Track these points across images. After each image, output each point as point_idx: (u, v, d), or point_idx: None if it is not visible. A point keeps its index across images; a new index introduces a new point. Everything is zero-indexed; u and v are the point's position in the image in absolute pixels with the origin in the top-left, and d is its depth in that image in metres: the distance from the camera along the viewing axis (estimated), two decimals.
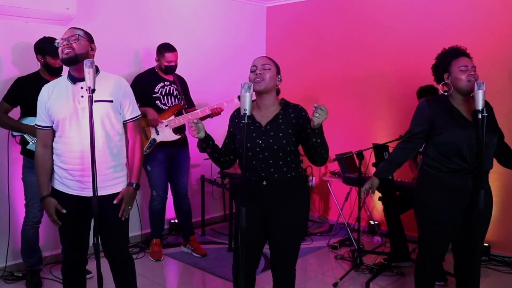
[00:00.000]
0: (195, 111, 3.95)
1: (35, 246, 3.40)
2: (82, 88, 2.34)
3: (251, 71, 2.35)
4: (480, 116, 2.28)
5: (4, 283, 3.46)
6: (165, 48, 3.90)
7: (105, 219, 2.34)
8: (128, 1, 4.26)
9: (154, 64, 4.09)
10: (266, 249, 2.49)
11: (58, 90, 2.38)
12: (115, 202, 2.38)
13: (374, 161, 3.76)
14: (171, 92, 3.98)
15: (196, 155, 4.05)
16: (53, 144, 2.43)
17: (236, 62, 5.03)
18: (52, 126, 2.41)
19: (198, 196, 4.63)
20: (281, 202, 2.34)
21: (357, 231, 3.86)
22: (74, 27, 2.39)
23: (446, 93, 2.51)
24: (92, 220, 2.48)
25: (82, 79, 2.33)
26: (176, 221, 4.58)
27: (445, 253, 2.70)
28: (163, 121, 3.86)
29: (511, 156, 2.65)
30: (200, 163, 4.58)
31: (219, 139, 2.51)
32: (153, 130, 3.86)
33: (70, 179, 2.38)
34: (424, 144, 2.61)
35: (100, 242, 2.28)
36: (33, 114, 2.47)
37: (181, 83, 4.09)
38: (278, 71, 2.42)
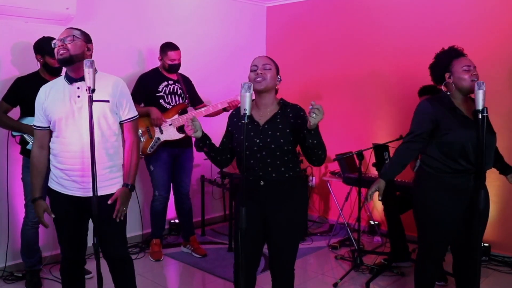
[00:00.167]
0: (205, 107, 3.94)
1: (35, 246, 3.40)
2: (78, 88, 2.34)
3: (252, 71, 2.35)
4: (480, 116, 2.28)
5: (4, 283, 3.46)
6: (168, 47, 3.90)
7: (102, 219, 2.33)
8: (128, 1, 4.25)
9: (153, 63, 4.09)
10: (266, 249, 2.49)
11: (55, 91, 2.38)
12: (109, 202, 2.37)
13: (374, 161, 3.76)
14: (175, 91, 3.98)
15: (196, 155, 4.06)
16: (50, 144, 2.43)
17: (236, 61, 5.03)
18: (49, 127, 2.41)
19: (198, 196, 4.63)
20: (279, 202, 2.34)
21: (357, 231, 3.86)
22: (71, 27, 2.39)
23: (448, 93, 2.51)
24: (91, 221, 2.49)
25: (79, 80, 2.34)
26: (176, 221, 4.58)
27: (445, 253, 2.70)
28: (167, 120, 3.86)
29: (499, 157, 2.67)
30: (200, 163, 4.57)
31: (219, 139, 2.51)
32: (157, 129, 3.86)
33: (66, 179, 2.38)
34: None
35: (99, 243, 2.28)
36: (33, 114, 2.47)
37: (186, 82, 4.08)
38: (277, 71, 2.43)
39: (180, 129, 3.89)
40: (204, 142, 2.32)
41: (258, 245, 2.45)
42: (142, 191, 4.42)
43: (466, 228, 2.52)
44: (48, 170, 2.47)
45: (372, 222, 4.64)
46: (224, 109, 3.91)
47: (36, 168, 2.44)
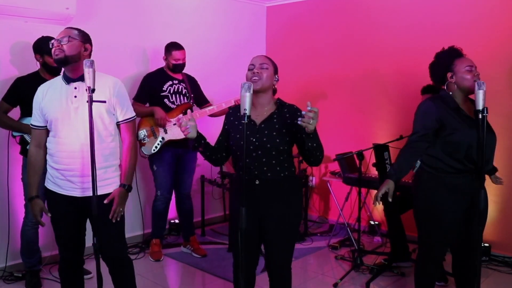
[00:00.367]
0: (210, 107, 3.93)
1: (34, 247, 3.39)
2: (75, 88, 2.35)
3: (249, 69, 2.37)
4: (480, 116, 2.27)
5: (4, 283, 3.45)
6: (172, 47, 3.90)
7: (98, 220, 2.31)
8: (128, 0, 4.25)
9: (153, 63, 4.08)
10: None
11: (53, 90, 2.38)
12: (105, 202, 2.36)
13: (374, 161, 3.75)
14: (179, 90, 3.98)
15: (199, 156, 4.03)
16: (47, 144, 2.43)
17: (236, 61, 5.02)
18: (46, 126, 2.41)
19: (198, 196, 4.62)
20: (274, 201, 2.35)
21: (357, 231, 3.85)
22: (69, 27, 2.39)
23: (450, 92, 2.50)
24: (88, 221, 2.49)
25: (76, 80, 2.35)
26: (176, 221, 4.58)
27: (445, 253, 2.70)
28: (171, 119, 3.86)
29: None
30: (200, 163, 4.56)
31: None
32: (161, 129, 3.86)
33: (61, 179, 2.38)
34: None
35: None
36: None
37: (191, 82, 4.08)
38: (275, 71, 2.43)
39: None
40: (199, 142, 2.33)
41: (256, 244, 2.45)
42: (143, 191, 4.42)
43: (466, 228, 2.52)
44: (45, 169, 2.47)
45: (372, 222, 4.64)
46: (230, 108, 3.91)
47: (33, 167, 2.44)
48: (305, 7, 5.19)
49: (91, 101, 2.12)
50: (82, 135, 2.30)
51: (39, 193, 2.46)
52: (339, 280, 3.50)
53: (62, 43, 2.29)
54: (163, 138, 3.85)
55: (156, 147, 3.84)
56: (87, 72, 2.09)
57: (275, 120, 2.35)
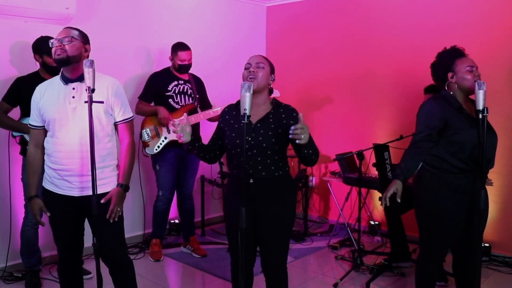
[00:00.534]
0: (206, 111, 3.92)
1: (34, 247, 3.39)
2: (74, 89, 2.34)
3: (245, 68, 2.37)
4: (480, 116, 2.27)
5: (4, 283, 3.45)
6: (178, 47, 3.90)
7: (96, 220, 2.30)
8: (128, 0, 4.24)
9: (152, 63, 4.07)
10: None
11: (51, 90, 2.38)
12: (102, 201, 2.35)
13: (375, 161, 3.75)
14: (184, 91, 3.98)
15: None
16: (44, 144, 2.43)
17: (236, 61, 5.01)
18: (44, 126, 2.41)
19: (198, 197, 4.62)
20: (269, 200, 2.35)
21: (358, 231, 3.85)
22: (69, 27, 2.38)
23: (451, 93, 2.50)
24: (86, 222, 2.49)
25: (74, 80, 2.34)
26: (176, 221, 4.58)
27: (447, 253, 2.70)
28: (175, 120, 3.86)
29: None
30: (200, 163, 4.57)
31: None
32: (164, 129, 3.86)
33: (58, 179, 2.38)
34: None
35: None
36: None
37: (197, 83, 4.08)
38: (272, 71, 2.43)
39: None
40: (193, 145, 2.35)
41: (252, 243, 2.45)
42: (146, 190, 4.42)
43: (466, 228, 2.51)
44: (43, 169, 2.47)
45: (372, 222, 4.63)
46: (226, 107, 3.90)
47: (31, 166, 2.44)
48: (305, 7, 5.19)
49: (91, 101, 2.11)
50: (80, 135, 2.30)
51: (38, 192, 2.46)
52: (339, 280, 3.50)
53: (64, 43, 2.28)
54: (165, 138, 3.85)
55: (158, 146, 3.84)
56: (87, 72, 2.09)
57: (271, 120, 2.36)
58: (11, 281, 3.47)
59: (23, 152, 3.28)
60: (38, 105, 2.38)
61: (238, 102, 2.45)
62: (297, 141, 2.08)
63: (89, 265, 3.46)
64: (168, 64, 4.08)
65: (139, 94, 4.01)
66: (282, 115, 2.37)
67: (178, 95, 3.95)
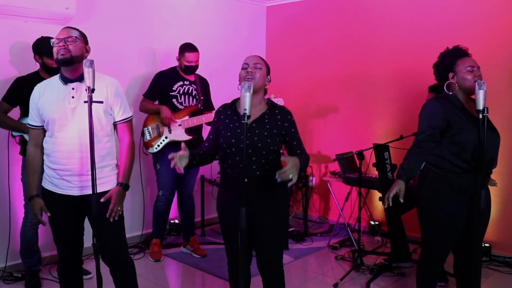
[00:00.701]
0: (209, 114, 3.90)
1: (34, 247, 3.39)
2: (73, 89, 2.34)
3: (243, 68, 2.38)
4: (481, 116, 2.27)
5: (3, 283, 3.45)
6: (186, 48, 3.89)
7: (96, 219, 2.30)
8: (128, 0, 4.24)
9: (152, 63, 4.07)
10: None
11: (50, 90, 2.37)
12: (102, 200, 2.35)
13: (375, 161, 3.75)
14: (189, 92, 3.97)
15: None
16: (43, 144, 2.43)
17: (236, 61, 4.97)
18: (43, 126, 2.41)
19: (198, 197, 4.62)
20: (262, 199, 2.36)
21: (358, 232, 3.85)
22: (69, 27, 2.37)
23: (450, 93, 2.50)
24: (87, 222, 2.48)
25: (74, 80, 2.34)
26: (176, 221, 4.58)
27: (448, 254, 2.69)
28: (177, 120, 3.85)
29: None
30: None
31: None
32: (166, 129, 3.85)
33: (58, 178, 2.38)
34: None
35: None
36: None
37: (202, 84, 4.07)
38: (268, 72, 2.45)
39: (189, 131, 3.88)
40: (191, 165, 2.34)
41: (249, 242, 2.45)
42: (146, 190, 4.42)
43: (468, 229, 2.51)
44: (43, 168, 2.46)
45: (372, 222, 4.63)
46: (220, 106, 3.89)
47: (31, 166, 2.44)
48: (305, 7, 5.19)
49: (90, 101, 2.12)
50: (79, 135, 2.30)
51: (39, 192, 2.46)
52: (339, 281, 3.50)
53: (67, 43, 2.27)
54: (166, 138, 3.85)
55: (158, 145, 3.84)
56: (87, 72, 2.09)
57: (266, 121, 2.38)
58: (10, 281, 3.47)
59: (23, 152, 3.28)
60: (37, 105, 2.37)
61: (233, 102, 2.47)
62: (289, 184, 2.15)
63: (89, 265, 3.46)
64: (168, 64, 4.08)
65: (137, 94, 4.01)
66: (277, 116, 2.40)
67: (182, 96, 3.94)
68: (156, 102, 3.97)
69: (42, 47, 3.17)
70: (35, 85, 2.48)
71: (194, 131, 3.92)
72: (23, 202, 3.34)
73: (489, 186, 2.63)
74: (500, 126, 2.62)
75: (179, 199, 4.16)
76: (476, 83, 2.28)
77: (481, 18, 3.97)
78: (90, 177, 2.23)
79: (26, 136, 3.20)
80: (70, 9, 3.54)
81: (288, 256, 4.05)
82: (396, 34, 4.49)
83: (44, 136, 2.43)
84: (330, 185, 4.57)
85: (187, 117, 3.88)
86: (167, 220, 4.18)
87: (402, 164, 2.55)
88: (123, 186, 2.45)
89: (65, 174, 2.35)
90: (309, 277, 3.70)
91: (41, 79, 3.14)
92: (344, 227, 4.40)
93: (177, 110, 3.90)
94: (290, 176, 2.08)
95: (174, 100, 3.91)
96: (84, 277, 3.04)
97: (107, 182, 2.43)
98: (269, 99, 2.47)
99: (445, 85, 2.52)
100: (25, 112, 3.24)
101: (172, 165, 2.22)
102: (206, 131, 4.05)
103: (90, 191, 2.24)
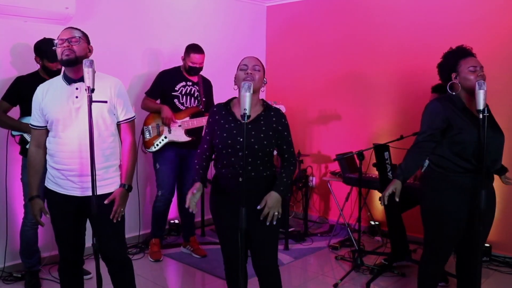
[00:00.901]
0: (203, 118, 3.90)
1: (34, 247, 3.38)
2: (77, 89, 2.34)
3: (241, 69, 2.39)
4: (481, 116, 2.27)
5: (3, 283, 3.45)
6: (192, 49, 3.89)
7: (98, 220, 2.31)
8: (127, 0, 4.24)
9: (152, 63, 4.06)
10: None
11: (53, 90, 2.37)
12: (106, 202, 2.35)
13: (375, 161, 3.74)
14: (191, 92, 3.96)
15: None
16: (47, 144, 2.43)
17: (236, 61, 4.97)
18: (46, 126, 2.40)
19: None
20: (256, 198, 2.35)
21: (358, 232, 3.84)
22: (71, 27, 2.37)
23: (454, 93, 2.50)
24: (88, 222, 2.48)
25: (77, 80, 2.34)
26: (176, 221, 4.57)
27: (450, 254, 2.69)
28: (177, 121, 3.85)
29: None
30: None
31: None
32: (166, 128, 3.85)
33: (62, 179, 2.38)
34: None
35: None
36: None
37: (205, 86, 4.06)
38: (264, 73, 2.46)
39: (188, 132, 3.88)
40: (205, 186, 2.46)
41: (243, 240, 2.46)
42: (143, 190, 4.41)
43: (469, 228, 2.51)
44: (45, 169, 2.46)
45: (372, 223, 4.63)
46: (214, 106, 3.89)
47: (33, 167, 2.44)
48: (305, 7, 5.19)
49: (90, 101, 2.12)
50: (83, 135, 2.29)
51: (39, 192, 2.45)
52: (339, 281, 3.49)
53: (72, 43, 2.27)
54: (165, 137, 3.85)
55: (157, 145, 3.84)
56: (87, 72, 2.09)
57: (262, 122, 2.39)
58: (10, 282, 3.47)
59: (23, 152, 3.27)
60: (41, 106, 2.37)
61: (227, 102, 2.47)
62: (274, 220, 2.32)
63: (89, 265, 3.45)
64: (168, 64, 4.07)
65: (137, 94, 4.01)
66: (273, 118, 2.42)
67: (184, 96, 3.93)
68: (158, 101, 3.97)
69: (44, 49, 3.16)
70: (35, 84, 2.48)
71: (193, 132, 3.91)
72: (23, 202, 3.33)
73: (494, 186, 2.63)
74: (501, 125, 2.61)
75: (179, 199, 4.16)
76: (476, 83, 2.28)
77: (482, 18, 3.97)
78: (94, 177, 2.24)
79: (26, 136, 3.20)
80: (70, 9, 3.54)
81: (288, 256, 4.05)
82: (396, 34, 4.48)
83: (47, 136, 2.42)
84: (330, 185, 4.57)
85: (187, 118, 3.88)
86: (166, 220, 4.17)
87: (400, 164, 2.57)
88: (127, 188, 2.45)
89: (70, 175, 2.35)
90: (309, 277, 3.69)
91: (41, 78, 3.15)
92: (344, 227, 4.39)
93: (178, 110, 3.90)
94: (275, 214, 2.30)
95: (175, 100, 3.90)
96: (84, 277, 3.03)
97: (112, 183, 2.44)
98: (264, 101, 2.49)
99: (448, 85, 2.52)
100: (25, 112, 3.24)
101: (191, 211, 2.37)
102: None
103: (96, 192, 2.26)
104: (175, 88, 3.91)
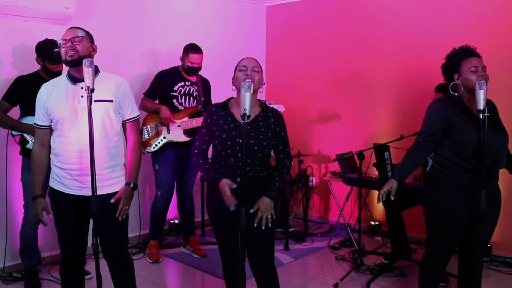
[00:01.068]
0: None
1: (34, 247, 3.38)
2: (82, 88, 2.33)
3: (240, 70, 2.38)
4: (481, 116, 2.27)
5: (3, 283, 3.44)
6: (190, 49, 3.88)
7: (102, 219, 2.32)
8: (128, 0, 4.24)
9: (152, 63, 4.05)
10: None
11: (58, 90, 2.37)
12: (112, 201, 2.36)
13: (375, 161, 3.74)
14: (190, 92, 3.96)
15: None
16: (51, 143, 2.42)
17: (236, 61, 4.99)
18: (50, 126, 2.40)
19: (198, 197, 4.61)
20: (253, 198, 2.35)
21: (358, 232, 3.84)
22: (75, 27, 2.37)
23: (456, 93, 2.50)
24: (91, 221, 2.48)
25: (83, 80, 2.33)
26: (176, 221, 4.57)
27: (452, 255, 2.69)
28: (176, 121, 3.85)
29: (510, 158, 2.65)
30: None
31: None
32: (164, 128, 3.85)
33: (68, 179, 2.38)
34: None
35: (99, 243, 2.27)
36: (33, 113, 2.48)
37: (204, 86, 4.06)
38: (262, 74, 2.47)
39: (187, 132, 3.88)
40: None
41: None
42: (142, 191, 4.41)
43: (470, 229, 2.51)
44: (49, 168, 2.46)
45: (372, 223, 4.62)
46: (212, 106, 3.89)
47: (37, 166, 2.44)
48: (305, 7, 5.18)
49: (90, 100, 2.12)
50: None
51: (42, 192, 2.46)
52: (339, 281, 3.49)
53: (75, 43, 2.27)
54: (164, 138, 3.85)
55: (156, 145, 3.84)
56: (86, 72, 2.09)
57: (260, 123, 2.40)
58: (10, 282, 3.46)
59: (23, 152, 3.27)
60: (45, 105, 2.37)
61: (225, 102, 2.47)
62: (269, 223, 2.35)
63: (89, 265, 3.44)
64: (168, 63, 4.07)
65: (137, 94, 3.99)
66: (271, 119, 2.43)
67: (183, 96, 3.93)
68: (157, 101, 3.96)
69: (45, 50, 3.16)
70: (36, 84, 2.48)
71: (193, 132, 3.90)
72: (23, 202, 3.33)
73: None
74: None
75: (178, 199, 4.15)
76: (477, 83, 2.28)
77: (482, 18, 3.97)
78: (100, 177, 2.26)
79: (26, 135, 3.20)
80: (70, 9, 3.54)
81: (288, 256, 4.05)
82: (397, 34, 4.48)
83: (51, 135, 2.43)
84: (330, 185, 4.57)
85: (186, 118, 3.88)
86: (164, 221, 4.16)
87: (398, 164, 2.58)
88: (132, 186, 2.46)
89: (76, 174, 2.36)
90: (309, 277, 3.69)
91: (41, 79, 3.16)
92: (344, 227, 4.39)
93: (177, 110, 3.89)
94: (268, 217, 2.33)
95: (174, 100, 3.90)
96: (85, 277, 3.04)
97: (117, 182, 2.45)
98: (261, 101, 2.49)
99: (450, 86, 2.52)
100: (25, 112, 3.24)
101: (232, 209, 2.29)
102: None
103: (100, 191, 2.28)
104: (174, 88, 3.90)
